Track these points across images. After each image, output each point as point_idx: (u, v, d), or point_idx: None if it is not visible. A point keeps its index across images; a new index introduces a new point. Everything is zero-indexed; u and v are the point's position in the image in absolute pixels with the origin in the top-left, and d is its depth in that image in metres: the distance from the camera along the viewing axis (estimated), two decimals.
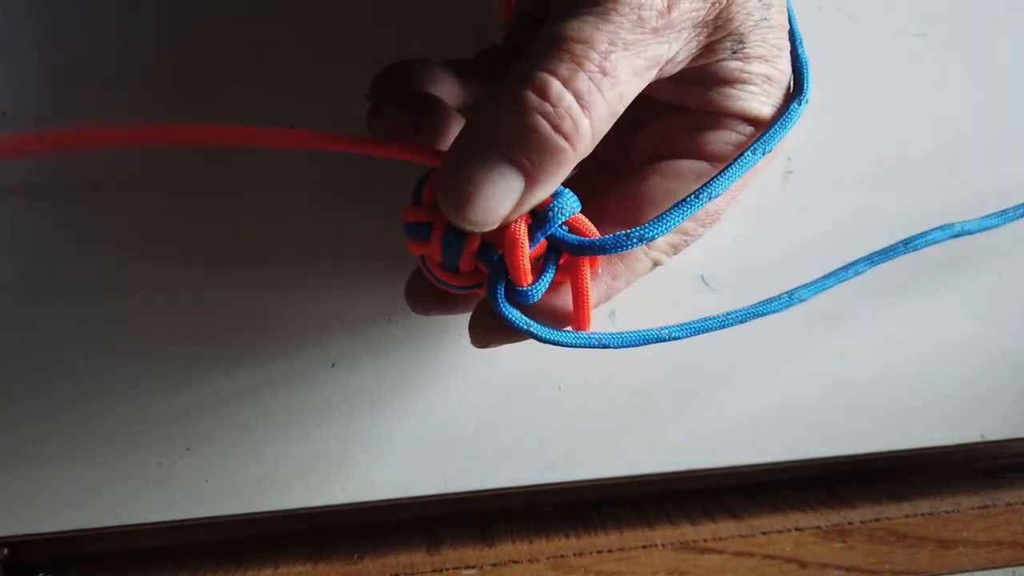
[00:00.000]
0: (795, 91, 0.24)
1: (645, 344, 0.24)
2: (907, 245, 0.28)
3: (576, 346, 0.24)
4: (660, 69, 0.21)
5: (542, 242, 0.23)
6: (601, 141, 0.27)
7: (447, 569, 0.31)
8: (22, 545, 0.33)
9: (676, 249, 0.25)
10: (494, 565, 0.31)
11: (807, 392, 0.33)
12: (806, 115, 0.31)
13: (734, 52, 0.23)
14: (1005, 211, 0.30)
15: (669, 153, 0.25)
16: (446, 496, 0.32)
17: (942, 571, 0.33)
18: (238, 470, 0.31)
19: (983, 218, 0.30)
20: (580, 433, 0.32)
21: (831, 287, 0.27)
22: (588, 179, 0.28)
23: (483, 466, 0.32)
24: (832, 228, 0.32)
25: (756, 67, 0.23)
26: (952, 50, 0.32)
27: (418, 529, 0.35)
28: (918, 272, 0.33)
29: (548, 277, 0.23)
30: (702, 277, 0.32)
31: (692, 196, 0.23)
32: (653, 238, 0.22)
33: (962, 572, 0.33)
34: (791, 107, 0.24)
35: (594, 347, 0.24)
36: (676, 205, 0.23)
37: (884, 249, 0.28)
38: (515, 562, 0.31)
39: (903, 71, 0.32)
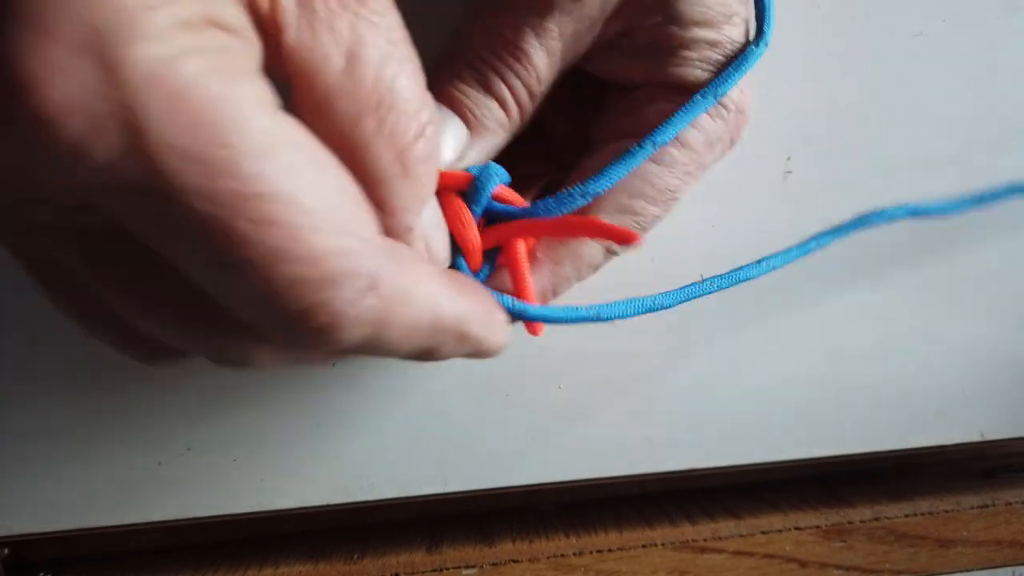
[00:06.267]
0: (755, 35, 0.23)
1: (633, 315, 0.23)
2: (864, 220, 0.27)
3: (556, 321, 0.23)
4: (576, 45, 0.22)
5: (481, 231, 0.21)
6: (559, 131, 0.26)
7: (447, 569, 0.31)
8: (22, 545, 0.33)
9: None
10: (494, 565, 0.31)
11: (807, 392, 0.33)
12: (806, 115, 0.31)
13: (667, 16, 0.22)
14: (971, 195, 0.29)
15: (615, 136, 0.24)
16: (446, 496, 0.32)
17: (942, 570, 0.33)
18: (238, 470, 0.31)
19: (942, 203, 0.29)
20: (580, 433, 0.32)
21: (799, 257, 0.27)
22: (554, 173, 0.27)
23: (483, 466, 0.32)
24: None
25: (695, 32, 0.22)
26: (951, 50, 0.32)
27: (418, 529, 0.35)
28: (918, 272, 0.33)
29: (490, 265, 0.22)
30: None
31: (636, 146, 0.22)
32: (596, 193, 0.22)
33: (962, 571, 0.33)
34: (748, 49, 0.23)
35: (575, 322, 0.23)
36: (620, 157, 0.22)
37: (847, 223, 0.27)
38: (515, 562, 0.31)
39: (902, 71, 0.32)
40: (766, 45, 0.23)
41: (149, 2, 0.11)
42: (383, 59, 0.15)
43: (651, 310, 0.23)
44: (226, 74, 0.12)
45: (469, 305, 0.18)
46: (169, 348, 0.17)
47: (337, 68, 0.15)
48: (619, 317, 0.23)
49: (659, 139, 0.22)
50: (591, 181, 0.22)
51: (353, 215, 0.14)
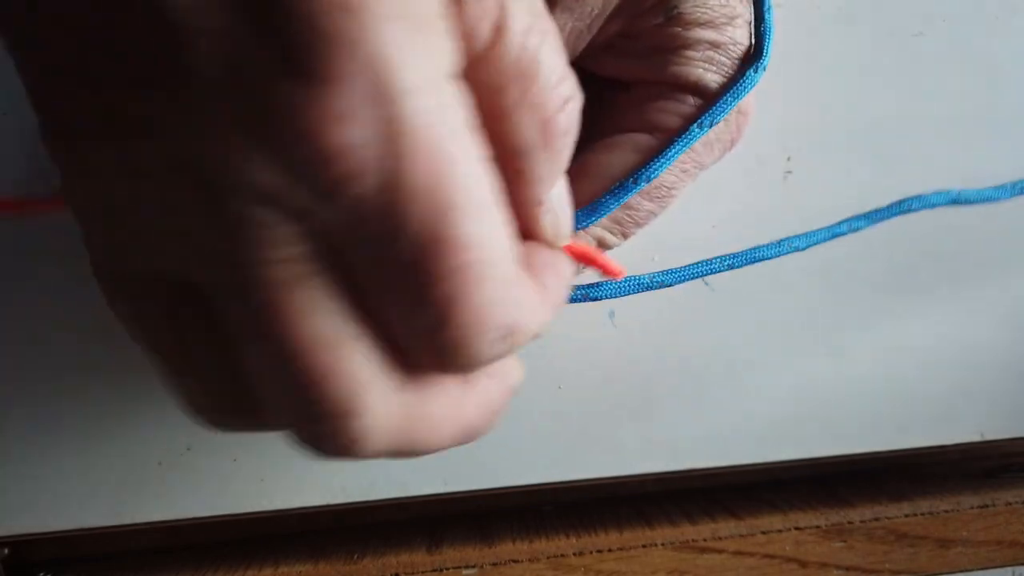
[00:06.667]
0: (753, 57, 0.23)
1: (634, 292, 0.24)
2: (903, 205, 0.27)
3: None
4: (577, 40, 0.22)
5: None
6: None
7: (447, 569, 0.31)
8: (22, 545, 0.33)
9: (622, 226, 0.24)
10: (494, 565, 0.31)
11: (807, 392, 0.33)
12: (806, 115, 0.31)
13: (669, 17, 0.22)
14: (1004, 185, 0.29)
15: (614, 131, 0.24)
16: (446, 496, 0.32)
17: (942, 571, 0.33)
18: (238, 470, 0.31)
19: (983, 189, 0.28)
20: (580, 433, 0.32)
21: (825, 241, 0.26)
22: None
23: (483, 466, 0.32)
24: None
25: (697, 32, 0.22)
26: (951, 50, 0.32)
27: (418, 529, 0.35)
28: (918, 271, 0.33)
29: None
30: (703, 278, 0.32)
31: (629, 179, 0.22)
32: (586, 227, 0.22)
33: (962, 572, 0.33)
34: (747, 74, 0.23)
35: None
36: (612, 190, 0.22)
37: (885, 208, 0.27)
38: (515, 562, 0.31)
39: (902, 71, 0.32)
40: (764, 70, 0.23)
41: (419, 56, 0.13)
42: (527, 30, 0.16)
43: (659, 286, 0.24)
44: (465, 127, 0.14)
45: (554, 284, 0.19)
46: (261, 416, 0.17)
47: (483, 39, 0.15)
48: (662, 285, 0.23)
49: (652, 173, 0.22)
50: (582, 215, 0.22)
51: (512, 248, 0.15)
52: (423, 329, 0.15)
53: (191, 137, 0.13)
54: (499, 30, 0.15)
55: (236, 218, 0.13)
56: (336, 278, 0.15)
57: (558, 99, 0.17)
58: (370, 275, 0.15)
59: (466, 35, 0.15)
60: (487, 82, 0.16)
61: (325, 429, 0.16)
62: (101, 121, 0.13)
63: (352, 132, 0.12)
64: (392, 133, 0.13)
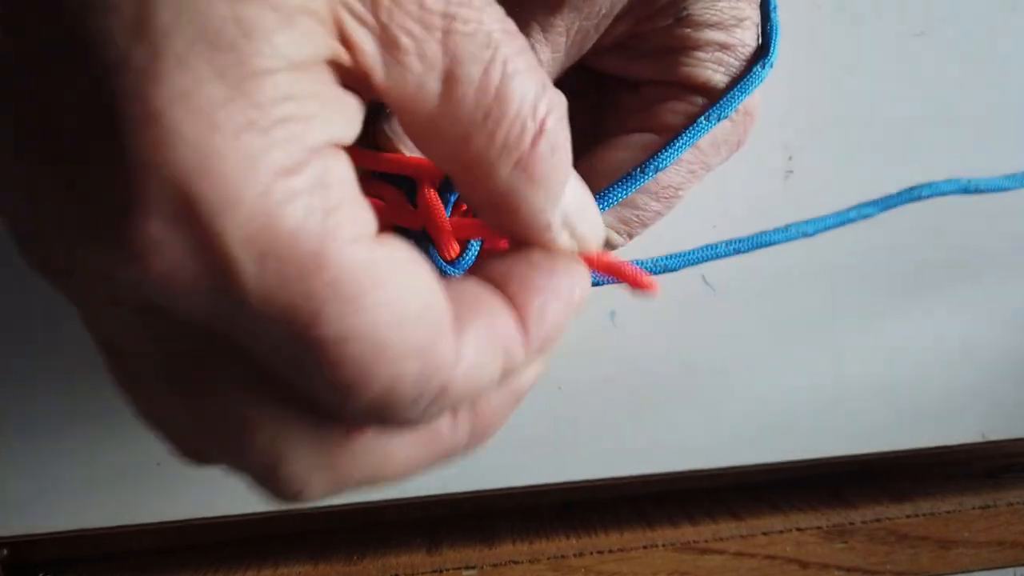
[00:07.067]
0: (760, 54, 0.23)
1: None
2: (913, 192, 0.26)
3: None
4: (586, 42, 0.22)
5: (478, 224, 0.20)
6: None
7: (447, 569, 0.31)
8: (22, 545, 0.33)
9: (628, 225, 0.24)
10: (494, 565, 0.31)
11: (808, 392, 0.33)
12: (807, 115, 0.31)
13: (678, 19, 0.22)
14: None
15: (622, 131, 0.24)
16: (446, 496, 0.32)
17: (943, 571, 0.33)
18: None
19: (995, 178, 0.28)
20: (580, 433, 0.32)
21: (835, 227, 0.25)
22: None
23: (483, 466, 0.32)
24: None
25: (707, 34, 0.22)
26: (953, 49, 0.32)
27: (418, 529, 0.35)
28: (919, 271, 0.33)
29: (474, 250, 0.21)
30: (703, 277, 0.32)
31: (637, 170, 0.22)
32: None
33: (963, 572, 0.33)
34: (753, 70, 0.23)
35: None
36: (619, 180, 0.22)
37: (895, 194, 0.26)
38: (515, 562, 0.31)
39: (903, 70, 0.32)
40: (771, 67, 0.23)
41: (249, 158, 0.11)
42: (484, 69, 0.14)
43: (663, 271, 0.23)
44: (322, 214, 0.12)
45: (540, 311, 0.17)
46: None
47: (434, 95, 0.14)
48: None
49: (662, 163, 0.22)
50: None
51: (426, 336, 0.13)
52: (336, 407, 0.14)
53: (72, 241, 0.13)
54: (450, 80, 0.14)
55: (113, 313, 0.13)
56: (228, 360, 0.14)
57: (532, 127, 0.15)
58: (261, 363, 0.14)
59: (415, 94, 0.14)
60: (449, 135, 0.14)
61: (264, 488, 0.15)
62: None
63: (164, 261, 0.12)
64: (216, 253, 0.12)
